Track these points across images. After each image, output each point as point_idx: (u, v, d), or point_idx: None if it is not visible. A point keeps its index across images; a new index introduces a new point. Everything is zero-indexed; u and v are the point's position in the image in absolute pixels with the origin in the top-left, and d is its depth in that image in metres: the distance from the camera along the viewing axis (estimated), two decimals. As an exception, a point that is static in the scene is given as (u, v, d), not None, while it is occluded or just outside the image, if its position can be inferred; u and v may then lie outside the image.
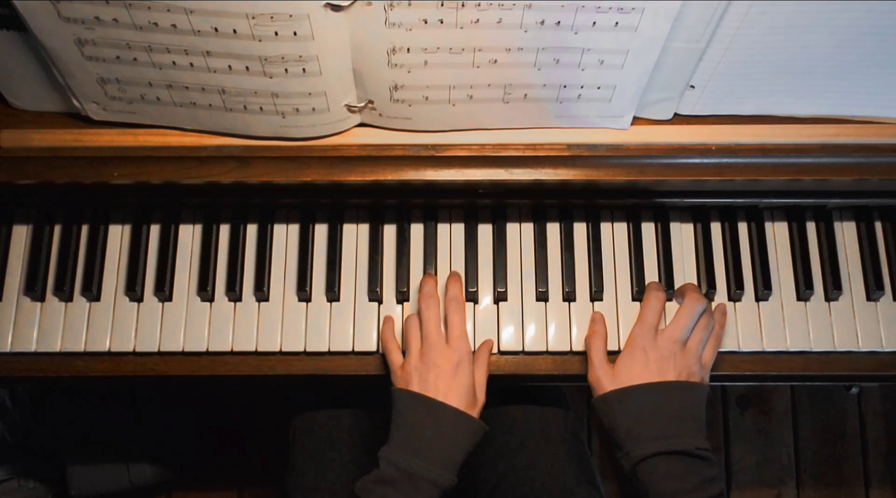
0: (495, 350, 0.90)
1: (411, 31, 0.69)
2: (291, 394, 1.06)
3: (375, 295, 0.91)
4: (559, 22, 0.69)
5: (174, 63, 0.73)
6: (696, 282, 0.92)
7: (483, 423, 0.80)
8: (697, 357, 0.80)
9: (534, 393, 1.03)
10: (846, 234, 0.94)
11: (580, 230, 0.94)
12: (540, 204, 0.93)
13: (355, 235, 0.93)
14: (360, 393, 1.03)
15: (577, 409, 1.73)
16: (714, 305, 0.90)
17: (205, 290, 0.91)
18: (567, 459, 0.97)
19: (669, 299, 0.91)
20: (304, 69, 0.72)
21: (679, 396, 0.76)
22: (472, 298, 0.91)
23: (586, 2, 0.67)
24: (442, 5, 0.67)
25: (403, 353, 0.85)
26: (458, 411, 0.78)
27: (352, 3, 0.66)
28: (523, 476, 0.96)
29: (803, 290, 0.91)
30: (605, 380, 0.79)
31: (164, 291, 0.91)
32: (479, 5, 0.67)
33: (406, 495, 0.74)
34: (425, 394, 0.78)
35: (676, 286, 0.91)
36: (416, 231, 0.94)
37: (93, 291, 0.90)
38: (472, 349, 0.86)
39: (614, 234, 0.94)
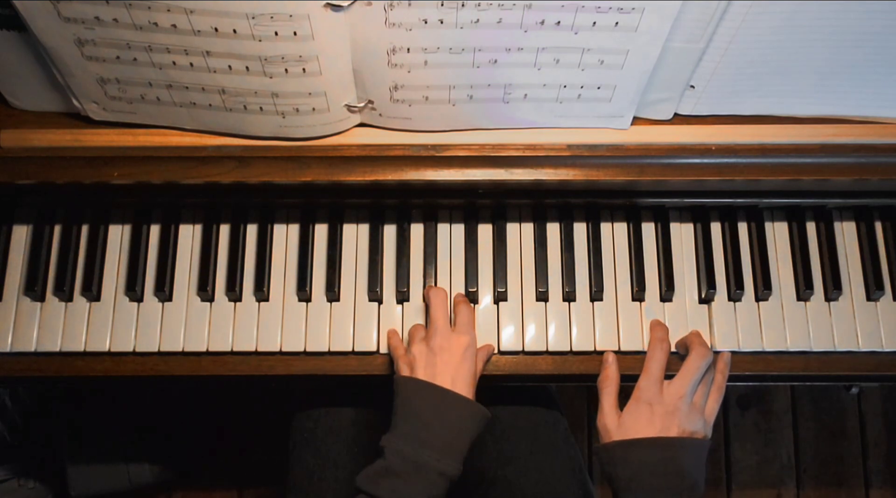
0: (495, 350, 0.90)
1: (411, 31, 0.69)
2: (292, 392, 1.06)
3: (375, 295, 0.91)
4: (559, 22, 0.69)
5: (174, 63, 0.73)
6: (695, 282, 0.92)
7: (486, 410, 0.79)
8: (701, 412, 0.80)
9: (523, 394, 1.02)
10: (846, 234, 0.94)
11: (580, 230, 0.94)
12: (540, 204, 0.93)
13: (355, 235, 0.93)
14: (360, 391, 1.03)
15: (578, 408, 1.73)
16: (713, 337, 0.90)
17: (205, 290, 0.91)
18: (558, 465, 0.97)
19: (667, 300, 0.92)
20: (304, 69, 0.72)
21: (680, 453, 0.76)
22: (473, 298, 0.91)
23: (586, 2, 0.67)
24: (442, 5, 0.67)
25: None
26: (466, 400, 0.77)
27: (352, 3, 0.66)
28: (512, 484, 0.96)
29: (803, 290, 0.91)
30: (612, 428, 0.79)
31: (164, 291, 0.91)
32: (479, 5, 0.67)
33: (415, 487, 0.72)
34: (432, 381, 0.77)
35: (676, 287, 0.91)
36: (416, 231, 0.94)
37: (93, 290, 0.90)
38: None
39: (614, 235, 0.94)
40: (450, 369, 0.78)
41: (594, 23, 0.70)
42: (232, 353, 0.90)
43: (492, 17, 0.68)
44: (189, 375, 0.90)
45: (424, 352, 0.79)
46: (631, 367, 0.90)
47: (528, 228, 0.94)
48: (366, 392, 1.03)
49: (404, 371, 0.80)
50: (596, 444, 0.81)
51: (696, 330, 0.90)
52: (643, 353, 0.90)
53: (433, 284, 0.92)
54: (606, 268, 0.93)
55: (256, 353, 0.90)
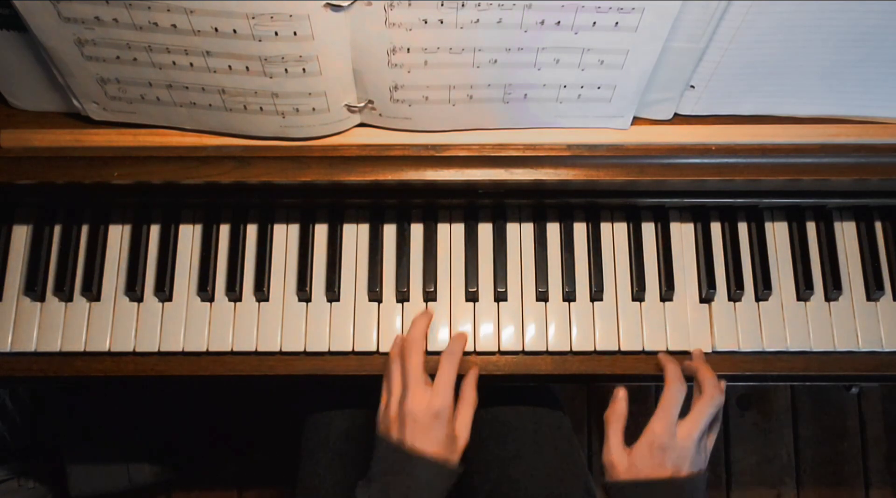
0: (495, 349, 0.90)
1: (411, 31, 0.69)
2: (303, 393, 1.06)
3: (375, 295, 0.91)
4: (559, 22, 0.69)
5: (174, 63, 0.73)
6: (696, 281, 0.92)
7: (458, 465, 0.80)
8: (706, 449, 0.81)
9: (526, 394, 1.02)
10: (846, 234, 0.94)
11: (580, 230, 0.94)
12: (540, 204, 0.93)
13: (355, 235, 0.93)
14: (370, 393, 1.03)
15: (578, 408, 1.73)
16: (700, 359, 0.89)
17: (205, 290, 0.91)
18: (560, 465, 0.97)
19: (667, 300, 0.92)
20: (304, 69, 0.72)
21: (689, 490, 0.77)
22: (473, 297, 0.91)
23: (586, 2, 0.67)
24: (442, 5, 0.67)
25: None
26: (434, 462, 0.78)
27: (352, 3, 0.66)
28: (516, 484, 0.96)
29: (803, 290, 0.91)
30: (620, 466, 0.79)
31: (164, 291, 0.91)
32: (479, 5, 0.67)
33: None
34: (401, 445, 0.78)
35: (677, 287, 0.91)
36: (416, 231, 0.94)
37: (93, 291, 0.90)
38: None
39: (614, 235, 0.94)
40: (419, 435, 0.78)
41: (594, 23, 0.70)
42: (232, 353, 0.90)
43: (492, 17, 0.68)
44: (189, 375, 0.90)
45: (398, 417, 0.79)
46: (632, 367, 0.90)
47: (528, 228, 0.94)
48: (375, 394, 1.03)
49: (381, 425, 0.81)
50: (605, 480, 0.81)
51: (699, 351, 0.89)
52: (643, 353, 0.90)
53: (426, 311, 0.90)
54: (606, 268, 0.93)
55: (256, 353, 0.90)
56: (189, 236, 0.93)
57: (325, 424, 1.00)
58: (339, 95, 0.77)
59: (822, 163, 0.82)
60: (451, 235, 0.94)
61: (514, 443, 0.98)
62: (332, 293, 0.91)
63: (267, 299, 0.91)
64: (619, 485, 0.78)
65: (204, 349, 0.90)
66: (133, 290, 0.90)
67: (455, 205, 0.94)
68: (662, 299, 0.92)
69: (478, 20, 0.68)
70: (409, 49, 0.71)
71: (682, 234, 0.94)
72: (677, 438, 0.78)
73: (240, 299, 0.91)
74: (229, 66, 0.72)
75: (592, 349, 0.90)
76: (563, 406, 1.04)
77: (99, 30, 0.70)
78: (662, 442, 0.78)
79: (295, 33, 0.68)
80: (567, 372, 0.90)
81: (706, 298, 0.92)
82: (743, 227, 0.94)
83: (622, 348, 0.90)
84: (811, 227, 0.94)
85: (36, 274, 0.90)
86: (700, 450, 0.79)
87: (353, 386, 1.02)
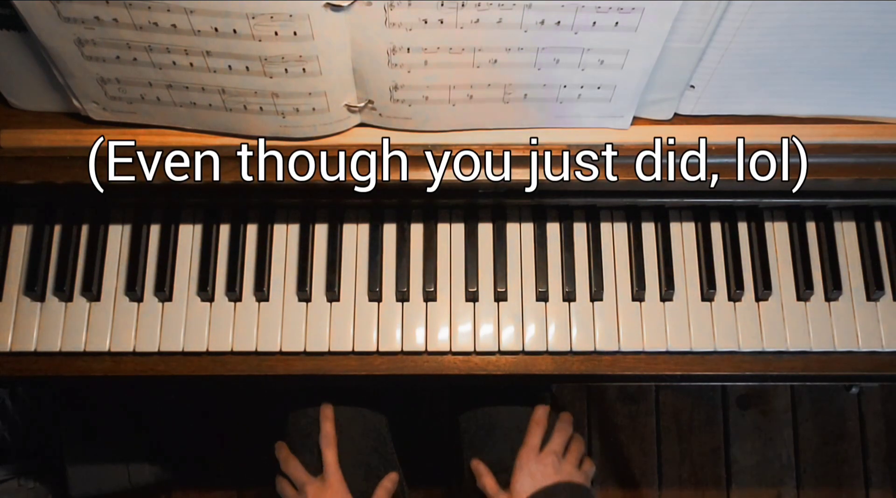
0: (495, 349, 0.90)
1: (411, 31, 0.69)
2: (287, 392, 1.06)
3: (375, 295, 0.91)
4: (559, 22, 0.69)
5: (174, 63, 0.73)
6: (696, 281, 0.92)
7: None
8: (576, 466, 0.95)
9: (521, 394, 1.03)
10: (846, 234, 0.94)
11: (580, 230, 0.94)
12: (540, 204, 0.93)
13: (355, 235, 0.93)
14: (352, 391, 1.03)
15: (578, 408, 1.73)
16: None
17: (205, 290, 0.91)
18: None
19: (667, 299, 0.91)
20: (304, 69, 0.72)
21: (566, 493, 0.90)
22: (473, 297, 0.91)
23: (586, 2, 0.67)
24: (442, 5, 0.67)
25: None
26: None
27: (352, 3, 0.66)
28: (509, 485, 0.96)
29: (803, 290, 0.91)
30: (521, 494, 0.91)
31: (164, 290, 0.91)
32: (479, 5, 0.67)
33: None
34: None
35: (677, 287, 0.91)
36: (416, 231, 0.94)
37: (93, 291, 0.90)
38: None
39: (614, 235, 0.94)
40: None
41: (594, 23, 0.70)
42: (232, 353, 0.90)
43: (492, 17, 0.68)
44: (189, 375, 0.90)
45: None
46: (632, 367, 0.90)
47: (528, 228, 0.94)
48: (362, 391, 1.03)
49: None
50: None
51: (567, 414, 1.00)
52: (643, 353, 0.90)
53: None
54: (606, 268, 0.93)
55: (256, 353, 0.90)
56: (189, 236, 0.93)
57: (308, 420, 1.01)
58: (339, 95, 0.77)
59: (822, 163, 0.82)
60: (451, 235, 0.94)
61: (509, 443, 0.99)
62: (332, 293, 0.91)
63: (267, 299, 0.91)
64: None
65: (204, 349, 0.90)
66: (133, 290, 0.90)
67: (455, 205, 0.94)
68: (662, 299, 0.92)
69: (478, 20, 0.68)
70: (409, 49, 0.71)
71: (682, 235, 0.94)
72: (541, 457, 0.93)
73: (240, 299, 0.91)
74: (229, 66, 0.72)
75: (592, 349, 0.90)
76: (558, 406, 1.05)
77: (99, 30, 0.70)
78: (529, 465, 0.93)
79: (295, 33, 0.68)
80: (567, 372, 0.90)
81: (706, 298, 0.92)
82: (743, 228, 0.94)
83: (622, 348, 0.90)
84: (811, 228, 0.94)
85: (36, 274, 0.90)
86: (568, 464, 0.94)
87: (335, 385, 1.02)
